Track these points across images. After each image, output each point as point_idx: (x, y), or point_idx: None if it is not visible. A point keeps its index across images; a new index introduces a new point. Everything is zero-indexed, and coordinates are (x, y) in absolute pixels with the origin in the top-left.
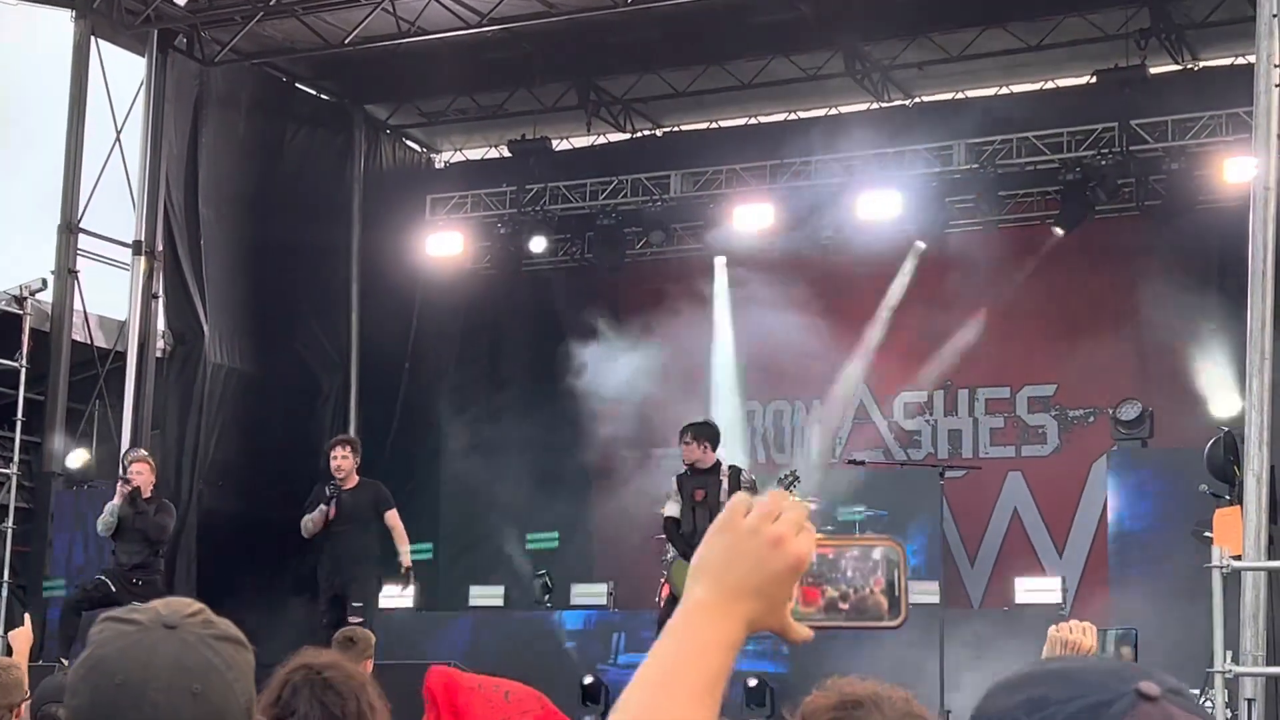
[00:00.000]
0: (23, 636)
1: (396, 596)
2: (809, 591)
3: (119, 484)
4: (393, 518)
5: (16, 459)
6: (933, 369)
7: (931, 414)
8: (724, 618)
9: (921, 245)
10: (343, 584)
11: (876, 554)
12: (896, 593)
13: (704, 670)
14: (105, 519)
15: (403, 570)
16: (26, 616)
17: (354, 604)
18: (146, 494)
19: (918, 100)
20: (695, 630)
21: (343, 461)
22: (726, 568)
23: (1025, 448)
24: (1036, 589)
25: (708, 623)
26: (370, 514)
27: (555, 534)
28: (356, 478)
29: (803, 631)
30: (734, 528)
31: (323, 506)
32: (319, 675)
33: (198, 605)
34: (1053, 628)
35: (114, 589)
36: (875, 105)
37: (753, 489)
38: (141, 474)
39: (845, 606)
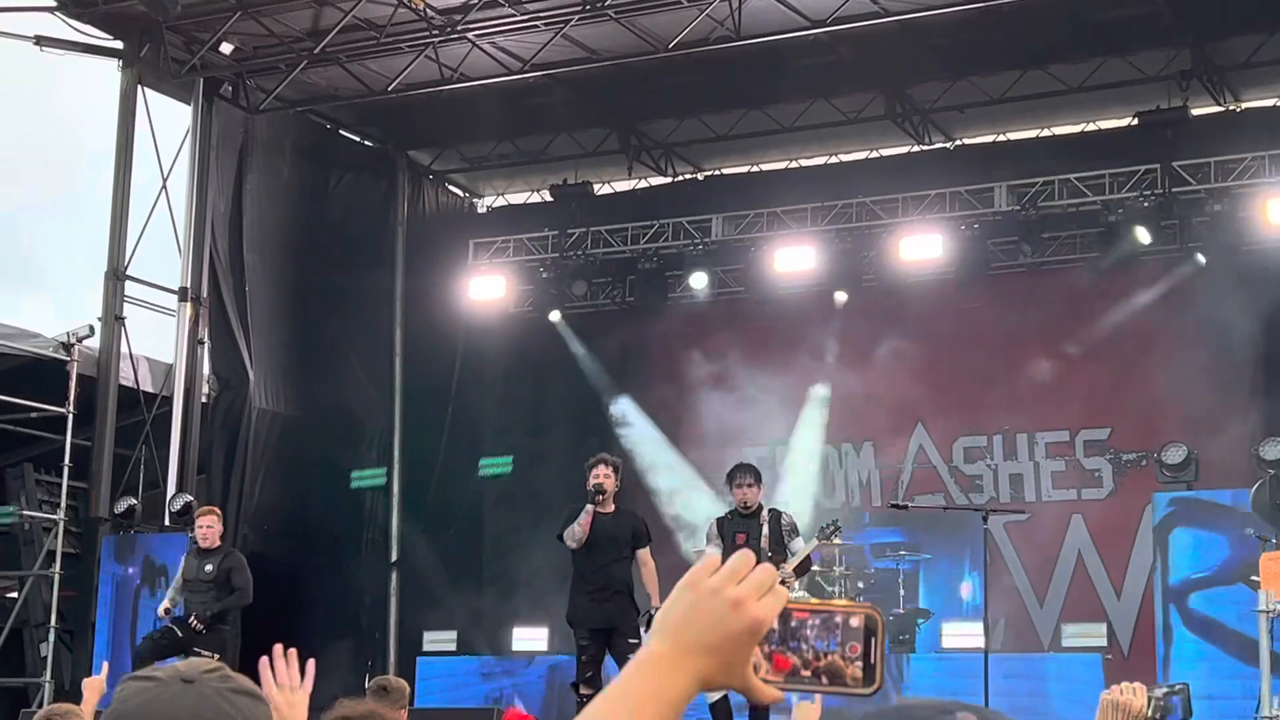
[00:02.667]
0: (94, 686)
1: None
2: (779, 659)
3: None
4: (645, 555)
5: (64, 504)
6: (990, 413)
7: (992, 458)
8: (673, 671)
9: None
10: (609, 614)
11: (855, 621)
12: (872, 660)
13: (645, 718)
14: (170, 597)
15: (650, 611)
16: (105, 665)
17: (630, 640)
18: (215, 544)
19: (959, 142)
20: (643, 681)
21: (605, 480)
22: (684, 623)
23: (1085, 490)
24: (1083, 634)
25: (656, 675)
26: (627, 544)
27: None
28: (614, 505)
29: (771, 693)
30: (697, 585)
31: (589, 506)
32: None
33: (216, 663)
34: (1105, 692)
35: (180, 636)
36: (916, 147)
37: (794, 531)
38: (212, 527)
39: (808, 674)
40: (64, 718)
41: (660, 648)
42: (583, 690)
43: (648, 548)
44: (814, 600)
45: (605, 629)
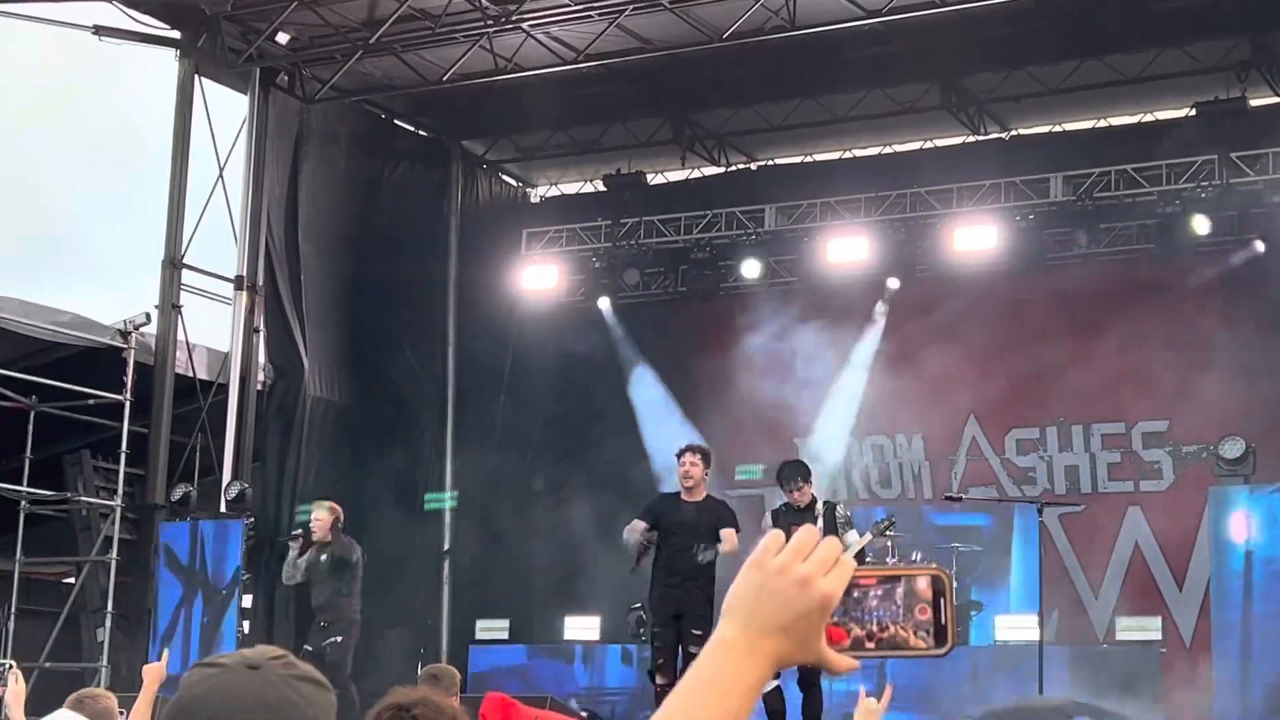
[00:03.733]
0: (155, 672)
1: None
2: (833, 631)
3: (295, 537)
4: (728, 533)
5: (121, 491)
6: (1043, 404)
7: (1045, 450)
8: (748, 656)
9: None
10: (679, 600)
11: (921, 583)
12: (943, 621)
13: (725, 708)
14: (286, 570)
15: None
16: (165, 653)
17: (694, 631)
18: (326, 537)
19: (1014, 133)
20: (719, 668)
21: (691, 469)
22: (755, 605)
23: (1143, 483)
24: (1139, 628)
25: (732, 661)
26: (712, 533)
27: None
28: (704, 492)
29: (845, 661)
30: (763, 566)
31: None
32: (408, 714)
33: (281, 650)
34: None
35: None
36: (971, 138)
37: (848, 524)
38: (320, 519)
39: (879, 640)
40: (95, 700)
41: (732, 633)
42: (658, 679)
43: (732, 529)
44: (879, 567)
45: (675, 615)
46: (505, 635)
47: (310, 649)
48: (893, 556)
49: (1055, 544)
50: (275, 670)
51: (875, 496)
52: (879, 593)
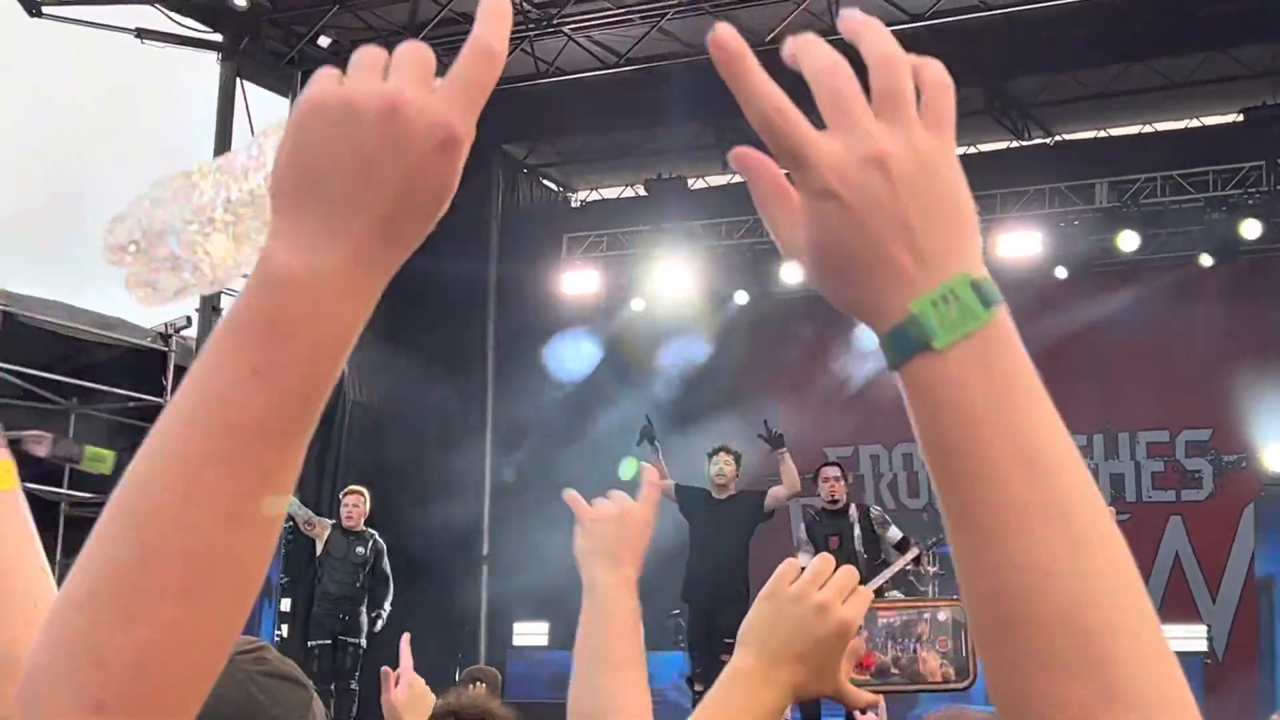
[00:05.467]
0: None
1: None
2: (867, 658)
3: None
4: (773, 492)
5: None
6: (1089, 412)
7: (1091, 457)
8: (764, 685)
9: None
10: (711, 601)
11: (942, 615)
12: (964, 654)
13: None
14: (302, 515)
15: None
16: None
17: (726, 640)
18: (359, 525)
19: (1059, 138)
20: (735, 697)
21: (725, 468)
22: (771, 633)
23: (1184, 492)
24: (1183, 636)
25: (747, 690)
26: (746, 526)
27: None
28: (733, 489)
29: (863, 696)
30: (779, 594)
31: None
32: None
33: (258, 643)
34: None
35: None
36: (1015, 143)
37: (885, 523)
38: (357, 506)
39: (898, 672)
40: None
41: (748, 661)
42: (697, 687)
43: (770, 492)
44: (900, 598)
45: (707, 610)
46: (545, 640)
47: (325, 642)
48: (934, 564)
49: None
50: (244, 666)
51: (903, 507)
52: (900, 624)
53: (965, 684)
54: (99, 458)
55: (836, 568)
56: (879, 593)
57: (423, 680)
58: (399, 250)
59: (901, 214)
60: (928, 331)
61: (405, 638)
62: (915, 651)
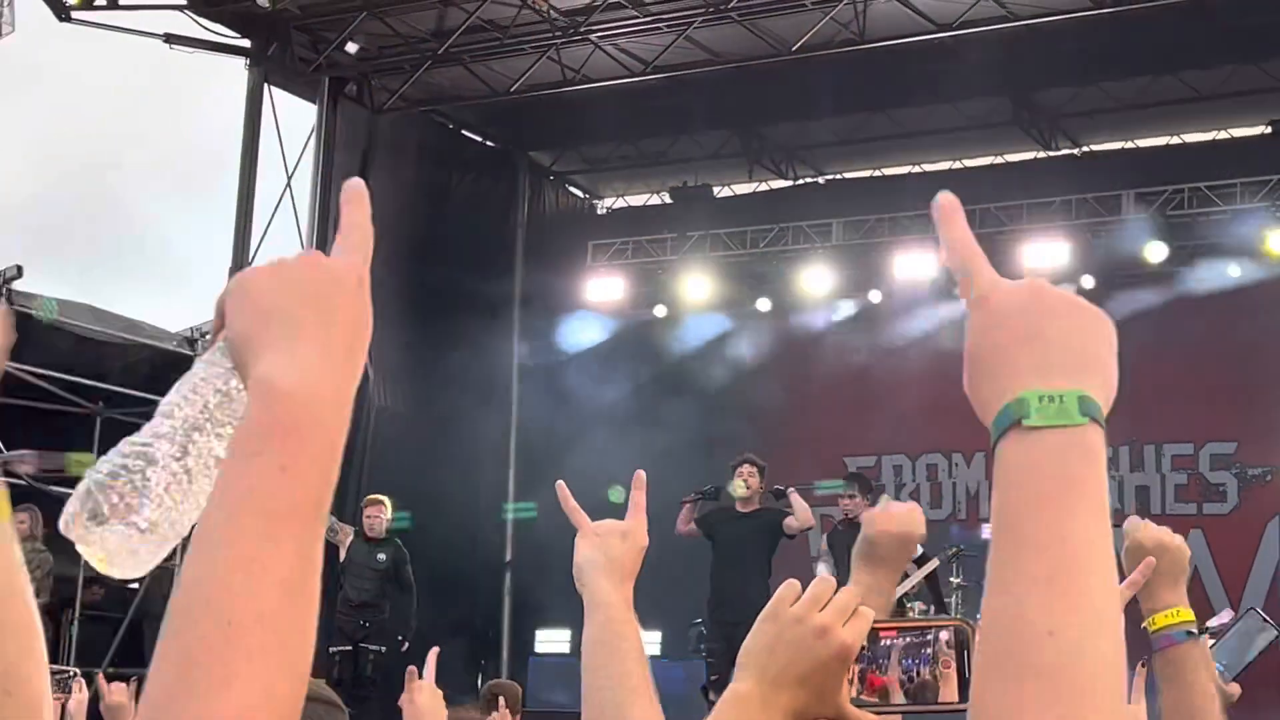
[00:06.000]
0: None
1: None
2: (871, 678)
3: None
4: (790, 521)
5: None
6: (1115, 423)
7: (1117, 470)
8: (763, 709)
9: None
10: (733, 614)
11: (945, 635)
12: (967, 674)
13: None
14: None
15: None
16: None
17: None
18: (382, 534)
19: (1086, 149)
20: None
21: (750, 479)
22: (770, 656)
23: (1206, 505)
24: None
25: (746, 715)
26: (768, 541)
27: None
28: (757, 504)
29: (865, 718)
30: (779, 616)
31: (688, 505)
32: None
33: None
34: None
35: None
36: (1042, 153)
37: None
38: (378, 517)
39: (901, 693)
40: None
41: (746, 685)
42: (712, 696)
43: (789, 517)
44: (900, 619)
45: (729, 622)
46: (567, 648)
47: (347, 648)
48: (957, 575)
49: (1124, 568)
50: None
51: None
52: (902, 644)
53: (968, 705)
54: (83, 461)
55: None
56: (899, 603)
57: (441, 696)
58: (357, 366)
59: (1039, 330)
60: (1025, 411)
61: (434, 652)
62: (923, 672)
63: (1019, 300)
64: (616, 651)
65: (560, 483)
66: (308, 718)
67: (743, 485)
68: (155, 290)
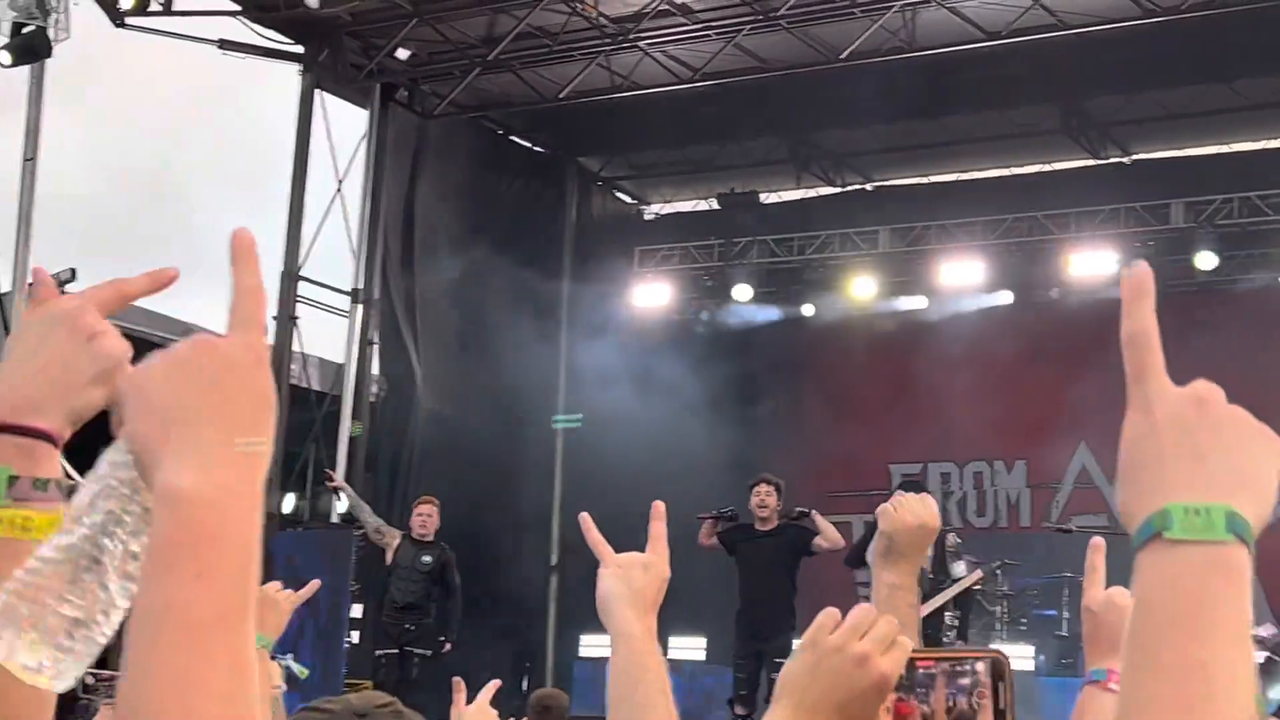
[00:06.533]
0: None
1: None
2: (902, 707)
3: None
4: (818, 540)
5: None
6: None
7: None
8: None
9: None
10: (756, 629)
11: (980, 666)
12: (1002, 705)
13: None
14: (371, 523)
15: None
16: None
17: (776, 659)
18: (431, 535)
19: (1135, 157)
20: None
21: (766, 499)
22: (809, 683)
23: None
24: None
25: None
26: (789, 558)
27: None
28: (776, 521)
29: None
30: (818, 644)
31: (708, 521)
32: None
33: (389, 698)
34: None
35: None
36: (1091, 161)
37: (957, 555)
38: (431, 517)
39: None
40: None
41: (786, 712)
42: (737, 709)
43: (818, 536)
44: (936, 649)
45: (756, 642)
46: (703, 655)
47: (393, 651)
48: (1003, 584)
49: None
50: (382, 718)
51: (969, 524)
52: (938, 674)
53: None
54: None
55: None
56: (938, 613)
57: (495, 714)
58: (263, 453)
59: (1197, 444)
60: (1168, 523)
61: (493, 684)
62: (960, 702)
63: (1183, 412)
64: (640, 682)
65: (584, 515)
66: None
67: (760, 504)
68: (209, 294)
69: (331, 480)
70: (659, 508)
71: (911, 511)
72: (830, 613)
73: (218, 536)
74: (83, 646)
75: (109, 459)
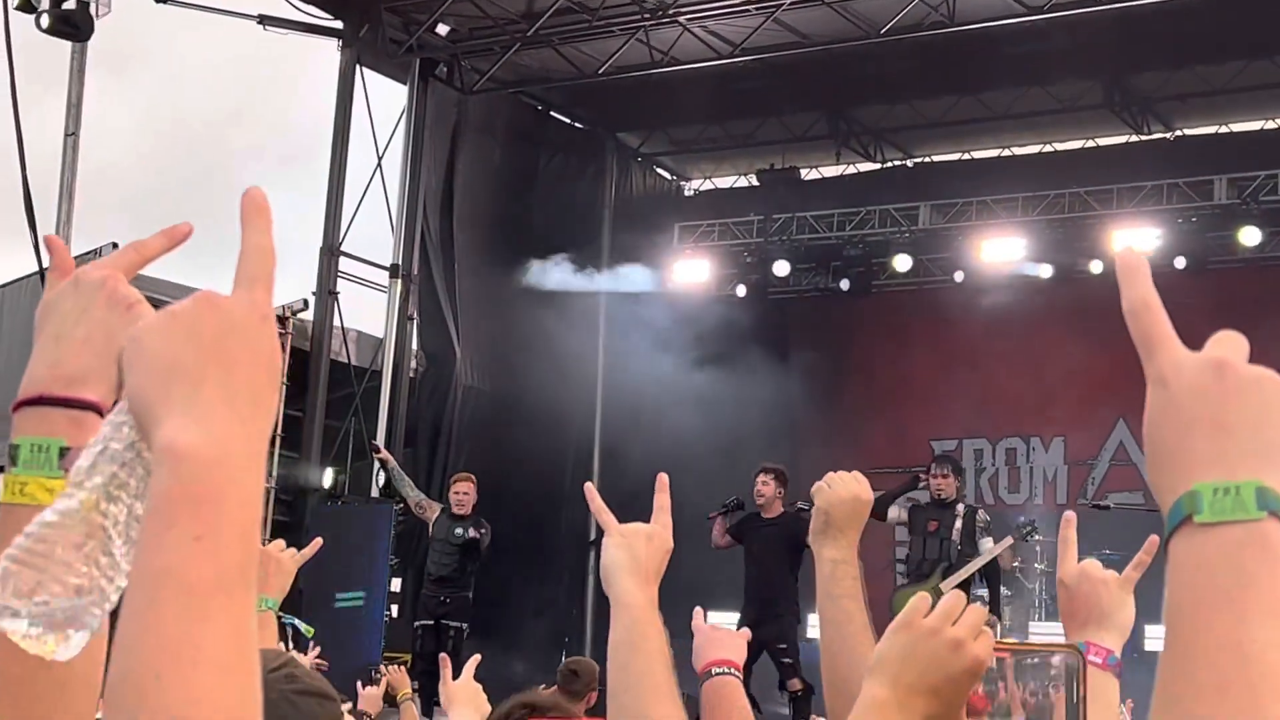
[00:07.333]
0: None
1: None
2: (975, 699)
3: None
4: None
5: (274, 473)
6: None
7: None
8: (899, 715)
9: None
10: (755, 614)
11: (1055, 660)
12: (1075, 700)
13: None
14: (414, 496)
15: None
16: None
17: (779, 645)
18: (468, 511)
19: (1179, 133)
20: None
21: (763, 488)
22: (905, 665)
23: None
24: None
25: (886, 718)
26: (787, 548)
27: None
28: (780, 509)
29: None
30: (913, 627)
31: (718, 520)
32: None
33: (285, 657)
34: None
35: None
36: (1134, 137)
37: (987, 530)
38: (468, 494)
39: (1020, 714)
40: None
41: (883, 691)
42: None
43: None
44: (1013, 640)
45: (752, 623)
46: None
47: (428, 623)
48: (1041, 561)
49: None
50: (276, 686)
51: (1001, 501)
52: (1017, 662)
53: None
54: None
55: (928, 556)
56: (964, 587)
57: (479, 686)
58: (268, 412)
59: (1220, 415)
60: (1198, 506)
61: (475, 659)
62: (1045, 695)
63: (1201, 381)
64: (640, 651)
65: (589, 485)
66: (305, 712)
67: (759, 492)
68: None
69: (379, 451)
70: (663, 480)
71: (845, 486)
72: (923, 597)
73: (219, 497)
74: (86, 614)
75: (111, 420)
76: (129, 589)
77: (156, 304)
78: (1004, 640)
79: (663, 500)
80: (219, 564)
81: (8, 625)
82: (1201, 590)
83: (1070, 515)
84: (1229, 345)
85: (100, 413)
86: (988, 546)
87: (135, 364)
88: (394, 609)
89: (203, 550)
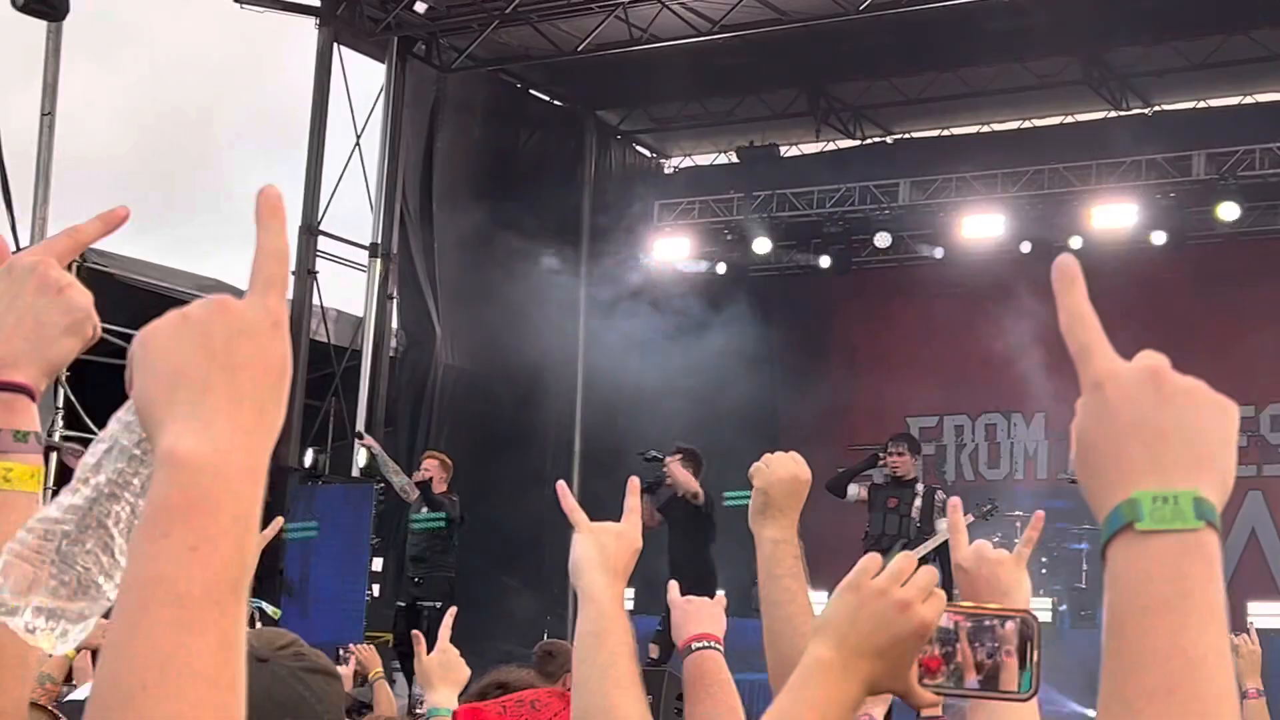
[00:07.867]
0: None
1: None
2: (929, 661)
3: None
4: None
5: None
6: None
7: None
8: (843, 676)
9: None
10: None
11: (1009, 625)
12: (1028, 665)
13: None
14: (399, 482)
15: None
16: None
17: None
18: (440, 488)
19: (1157, 108)
20: (815, 689)
21: (672, 467)
22: (851, 626)
23: (1266, 467)
24: (1258, 614)
25: (827, 680)
26: (681, 518)
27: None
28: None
29: (927, 697)
30: (861, 588)
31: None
32: (506, 692)
33: (290, 637)
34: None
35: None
36: (1113, 113)
37: (944, 512)
38: (429, 471)
39: (972, 676)
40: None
41: (828, 652)
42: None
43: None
44: (968, 603)
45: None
46: (631, 605)
47: (403, 604)
48: (996, 537)
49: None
50: (284, 663)
51: (981, 477)
52: (969, 626)
53: (1028, 695)
54: None
55: (888, 531)
56: (924, 560)
57: (456, 651)
58: (274, 421)
59: (1155, 423)
60: (1138, 514)
61: (451, 611)
62: (996, 657)
63: (1136, 388)
64: (604, 645)
65: (561, 483)
66: (314, 690)
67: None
68: (237, 249)
69: (364, 439)
70: (634, 483)
71: (783, 466)
72: (873, 558)
73: (216, 507)
74: (85, 609)
75: (119, 418)
76: (120, 593)
77: (121, 280)
78: (959, 603)
79: (632, 503)
80: (211, 575)
81: (6, 619)
82: (1143, 597)
83: (956, 500)
84: (1158, 356)
85: (31, 395)
86: (941, 526)
87: (142, 366)
88: (375, 589)
89: (196, 561)
